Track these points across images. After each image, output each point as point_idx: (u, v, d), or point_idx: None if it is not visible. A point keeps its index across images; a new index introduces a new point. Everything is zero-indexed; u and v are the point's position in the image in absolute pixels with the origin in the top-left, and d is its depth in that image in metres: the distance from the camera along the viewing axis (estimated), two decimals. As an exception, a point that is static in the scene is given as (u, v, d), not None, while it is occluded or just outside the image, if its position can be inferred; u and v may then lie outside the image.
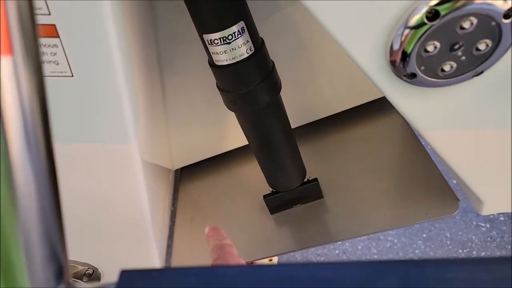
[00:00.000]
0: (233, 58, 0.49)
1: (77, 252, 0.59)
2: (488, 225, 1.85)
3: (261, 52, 0.51)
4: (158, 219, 0.62)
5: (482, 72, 0.36)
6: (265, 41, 0.52)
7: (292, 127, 0.61)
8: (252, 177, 0.74)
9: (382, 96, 0.74)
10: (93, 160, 0.43)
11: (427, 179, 0.63)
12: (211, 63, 0.52)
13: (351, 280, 0.22)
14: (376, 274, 0.22)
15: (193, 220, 0.71)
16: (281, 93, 0.56)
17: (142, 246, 0.59)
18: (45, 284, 0.19)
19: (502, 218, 1.87)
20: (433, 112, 0.40)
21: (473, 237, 1.84)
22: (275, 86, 0.54)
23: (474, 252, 1.80)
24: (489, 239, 1.84)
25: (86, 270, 0.59)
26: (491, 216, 1.83)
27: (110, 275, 0.62)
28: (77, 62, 0.33)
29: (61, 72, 0.33)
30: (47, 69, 0.33)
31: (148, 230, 0.57)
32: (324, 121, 0.73)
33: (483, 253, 1.80)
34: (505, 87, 0.38)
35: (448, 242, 1.88)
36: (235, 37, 0.48)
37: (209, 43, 0.49)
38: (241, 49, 0.49)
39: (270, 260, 0.88)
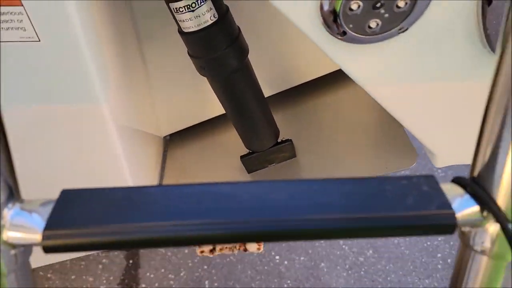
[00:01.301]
0: (198, 25, 0.54)
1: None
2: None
3: (226, 19, 0.55)
4: (142, 182, 0.67)
5: (407, 28, 0.40)
6: (239, 12, 0.56)
7: (267, 95, 0.65)
8: (235, 141, 0.79)
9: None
10: (67, 122, 0.48)
11: (391, 138, 0.67)
12: (180, 31, 0.56)
13: (249, 195, 0.26)
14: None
15: (178, 181, 0.77)
16: (255, 62, 0.60)
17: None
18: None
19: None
20: (370, 68, 0.44)
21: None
22: (242, 51, 0.58)
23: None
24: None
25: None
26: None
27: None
28: (42, 28, 0.38)
29: (29, 37, 0.38)
30: (16, 35, 0.38)
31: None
32: (298, 88, 0.77)
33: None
34: (432, 43, 0.42)
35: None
36: (198, 4, 0.52)
37: (175, 11, 0.53)
38: (205, 16, 0.53)
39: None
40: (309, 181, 0.27)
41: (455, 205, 0.26)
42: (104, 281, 1.55)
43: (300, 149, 0.72)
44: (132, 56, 0.61)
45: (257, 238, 0.25)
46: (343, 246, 1.75)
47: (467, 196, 0.27)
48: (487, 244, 0.27)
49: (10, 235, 0.25)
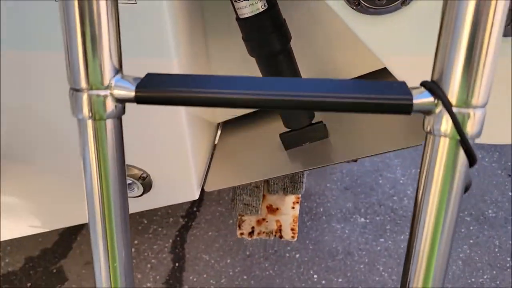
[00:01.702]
0: (251, 12, 0.69)
1: (136, 160, 0.79)
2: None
3: (274, 9, 0.70)
4: (198, 152, 0.80)
5: (409, 2, 0.51)
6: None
7: None
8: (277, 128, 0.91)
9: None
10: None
11: (411, 122, 0.76)
12: (237, 18, 0.71)
13: (263, 82, 0.38)
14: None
15: (224, 154, 0.90)
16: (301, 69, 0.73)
17: (184, 171, 0.78)
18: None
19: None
20: (381, 38, 0.55)
21: (525, 248, 1.82)
22: (285, 37, 0.72)
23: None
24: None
25: (142, 174, 0.79)
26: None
27: (159, 183, 0.81)
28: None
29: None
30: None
31: (189, 159, 0.75)
32: None
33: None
34: (433, 17, 0.52)
35: (496, 250, 1.87)
36: (253, -5, 0.67)
37: (235, 0, 0.68)
38: (258, 4, 0.68)
39: (293, 208, 1.04)
40: (308, 79, 0.39)
41: (415, 96, 0.37)
42: (151, 279, 1.68)
43: (332, 131, 0.83)
44: (199, 46, 0.77)
45: (263, 104, 0.37)
46: (383, 273, 1.77)
47: (426, 92, 0.37)
48: (442, 128, 0.36)
49: (114, 91, 0.38)
